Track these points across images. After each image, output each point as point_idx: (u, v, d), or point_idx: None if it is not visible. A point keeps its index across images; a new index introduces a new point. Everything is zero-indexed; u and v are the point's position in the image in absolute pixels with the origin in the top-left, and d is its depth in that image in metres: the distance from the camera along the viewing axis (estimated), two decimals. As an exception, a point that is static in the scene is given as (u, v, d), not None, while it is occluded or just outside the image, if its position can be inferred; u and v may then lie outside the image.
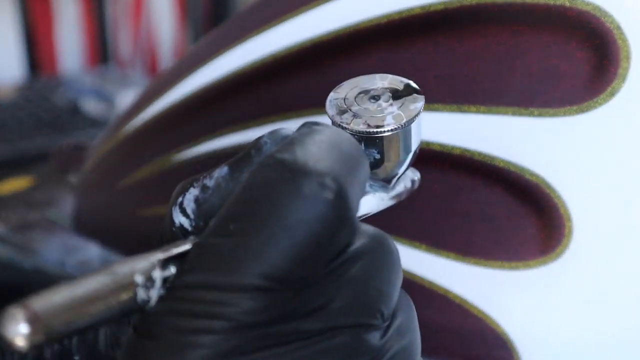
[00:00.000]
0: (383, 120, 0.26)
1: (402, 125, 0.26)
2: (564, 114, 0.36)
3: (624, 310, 0.38)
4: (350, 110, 0.27)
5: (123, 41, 1.80)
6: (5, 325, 0.19)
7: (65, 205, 0.64)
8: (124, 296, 0.21)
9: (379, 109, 0.27)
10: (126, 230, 0.53)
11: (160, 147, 0.49)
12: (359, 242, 0.23)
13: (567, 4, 0.36)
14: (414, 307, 0.25)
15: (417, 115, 0.27)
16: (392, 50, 0.40)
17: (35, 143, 1.33)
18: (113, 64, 1.79)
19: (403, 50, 0.39)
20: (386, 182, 0.28)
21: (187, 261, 0.22)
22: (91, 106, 1.50)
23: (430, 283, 0.41)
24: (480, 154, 0.38)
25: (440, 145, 0.39)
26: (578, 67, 0.36)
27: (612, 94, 0.35)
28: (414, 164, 0.29)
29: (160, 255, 0.22)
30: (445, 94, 0.39)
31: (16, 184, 0.69)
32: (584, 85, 0.36)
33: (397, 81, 0.28)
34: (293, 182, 0.22)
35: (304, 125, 0.25)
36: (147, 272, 0.22)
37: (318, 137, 0.23)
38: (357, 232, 0.23)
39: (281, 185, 0.22)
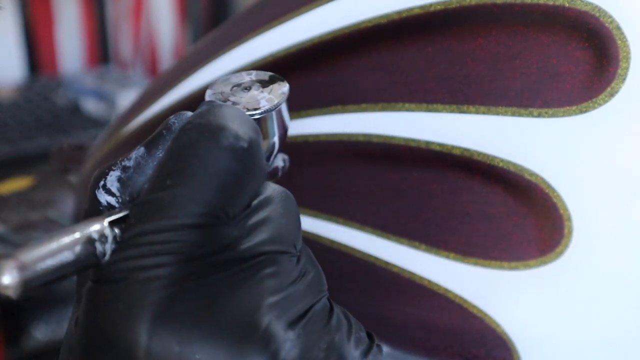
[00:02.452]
0: (259, 103, 0.31)
1: (275, 105, 0.31)
2: (564, 114, 0.36)
3: (623, 309, 0.38)
4: (229, 100, 0.32)
5: (123, 42, 1.80)
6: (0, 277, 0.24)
7: (66, 205, 0.64)
8: (85, 248, 0.26)
9: (252, 96, 0.32)
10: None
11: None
12: (268, 192, 0.28)
13: (567, 4, 0.36)
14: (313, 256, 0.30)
15: (285, 96, 0.32)
16: (392, 50, 0.40)
17: (36, 143, 1.33)
18: (113, 65, 1.79)
19: (403, 50, 0.39)
20: (266, 159, 0.33)
21: (131, 217, 0.27)
22: (92, 106, 1.50)
23: (430, 283, 0.41)
24: (480, 154, 0.38)
25: (440, 145, 0.39)
26: (577, 67, 0.36)
27: (612, 94, 0.35)
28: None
29: (106, 218, 0.27)
30: (444, 94, 0.39)
31: (17, 183, 0.69)
32: (583, 86, 0.36)
33: (262, 74, 0.33)
34: (213, 138, 0.27)
35: (204, 104, 0.30)
36: (99, 231, 0.26)
37: (222, 108, 0.28)
38: (266, 185, 0.29)
39: (203, 142, 0.27)
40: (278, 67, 0.44)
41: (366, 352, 0.29)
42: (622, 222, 0.37)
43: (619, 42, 0.35)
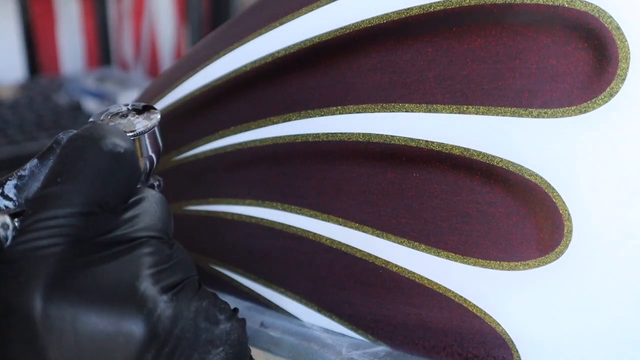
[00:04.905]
0: (134, 126, 0.37)
1: (148, 128, 0.37)
2: (563, 115, 0.36)
3: (623, 309, 0.38)
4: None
5: (124, 42, 1.80)
6: None
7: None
8: None
9: (129, 121, 0.37)
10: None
11: (161, 147, 0.49)
12: (144, 193, 0.34)
13: (566, 4, 0.36)
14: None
15: (157, 121, 0.37)
16: (392, 51, 0.40)
17: (37, 143, 1.33)
18: (114, 66, 1.79)
19: (402, 50, 0.40)
20: (145, 177, 0.39)
21: (27, 209, 0.31)
22: (93, 107, 1.50)
23: (430, 282, 0.41)
24: (479, 154, 0.38)
25: (440, 145, 0.39)
26: (577, 67, 0.36)
27: (611, 95, 0.35)
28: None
29: (6, 213, 0.32)
30: (444, 95, 0.39)
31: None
32: (582, 86, 0.36)
33: (137, 104, 0.39)
34: (95, 144, 0.33)
35: (91, 122, 0.36)
36: (1, 221, 0.31)
37: (104, 125, 0.35)
38: (139, 189, 0.35)
39: (87, 147, 0.33)
40: (278, 67, 0.44)
41: (230, 318, 0.34)
42: (622, 222, 0.37)
43: (619, 42, 0.35)
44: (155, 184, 0.41)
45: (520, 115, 0.37)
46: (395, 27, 0.40)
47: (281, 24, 0.43)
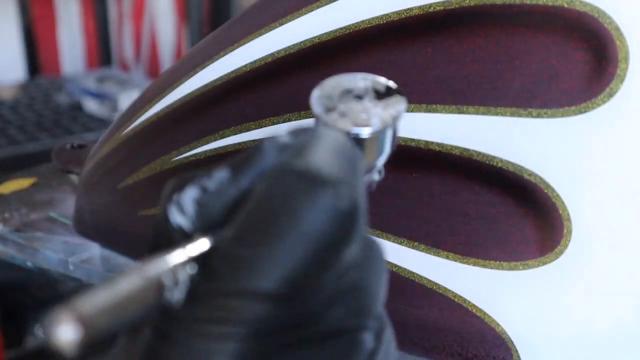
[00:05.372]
0: (369, 121, 0.27)
1: (387, 127, 0.27)
2: (563, 115, 0.36)
3: (622, 309, 0.38)
4: (336, 109, 0.28)
5: (124, 43, 1.80)
6: (55, 328, 0.20)
7: (67, 205, 0.64)
8: (154, 297, 0.22)
9: (364, 108, 0.28)
10: (127, 230, 0.53)
11: (160, 148, 0.49)
12: (356, 246, 0.24)
13: (566, 5, 0.36)
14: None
15: (401, 115, 0.28)
16: (391, 51, 0.40)
17: (38, 143, 1.33)
18: (115, 66, 1.79)
19: (402, 50, 0.40)
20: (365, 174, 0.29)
21: (208, 268, 0.23)
22: (93, 107, 1.50)
23: (430, 282, 0.41)
24: (479, 154, 0.38)
25: (440, 145, 0.39)
26: (576, 67, 0.36)
27: (611, 95, 0.35)
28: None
29: (183, 256, 0.23)
30: (444, 95, 0.39)
31: (18, 183, 0.69)
32: (582, 86, 0.36)
33: (379, 82, 0.29)
34: (310, 193, 0.23)
35: (300, 130, 0.26)
36: (174, 274, 0.22)
37: (323, 143, 0.24)
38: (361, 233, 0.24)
39: (299, 196, 0.23)
40: (278, 67, 0.44)
41: None
42: (621, 222, 0.37)
43: (618, 42, 0.35)
44: (375, 179, 0.31)
45: (520, 115, 0.37)
46: (395, 27, 0.40)
47: (281, 24, 0.43)
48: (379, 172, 0.31)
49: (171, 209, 0.25)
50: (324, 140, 0.24)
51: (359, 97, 0.28)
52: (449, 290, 0.41)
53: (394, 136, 0.28)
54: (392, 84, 0.29)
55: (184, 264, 0.23)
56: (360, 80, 0.29)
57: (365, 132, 0.27)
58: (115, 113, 1.45)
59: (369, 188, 0.31)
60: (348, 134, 0.27)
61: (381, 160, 0.29)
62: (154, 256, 0.22)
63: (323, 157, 0.24)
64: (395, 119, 0.27)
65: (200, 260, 0.23)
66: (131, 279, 0.21)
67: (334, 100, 0.28)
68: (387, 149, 0.28)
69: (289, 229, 0.22)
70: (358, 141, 0.27)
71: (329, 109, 0.28)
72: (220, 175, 0.25)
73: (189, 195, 0.25)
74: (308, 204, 0.22)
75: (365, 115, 0.27)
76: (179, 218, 0.25)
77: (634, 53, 0.35)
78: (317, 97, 0.28)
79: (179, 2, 1.76)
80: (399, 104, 0.28)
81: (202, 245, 0.23)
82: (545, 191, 0.37)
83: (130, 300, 0.21)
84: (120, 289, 0.21)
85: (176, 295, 0.22)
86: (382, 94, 0.28)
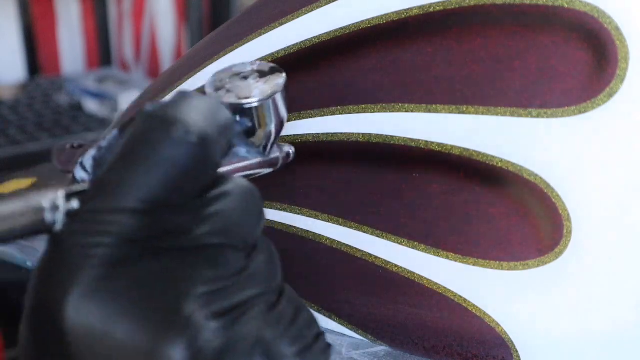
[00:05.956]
0: (251, 93, 0.32)
1: (267, 96, 0.32)
2: (562, 115, 0.36)
3: (622, 309, 0.38)
4: (224, 87, 0.33)
5: (124, 43, 1.80)
6: None
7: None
8: (35, 216, 0.27)
9: (248, 85, 0.33)
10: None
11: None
12: (228, 186, 0.29)
13: (565, 5, 0.36)
14: (276, 253, 0.30)
15: (280, 87, 0.32)
16: (392, 51, 0.40)
17: (38, 143, 1.34)
18: (115, 66, 1.79)
19: (402, 51, 0.40)
20: (263, 149, 0.34)
21: (89, 193, 0.28)
22: (93, 107, 1.50)
23: (430, 282, 0.41)
24: (479, 154, 0.38)
25: (440, 145, 0.39)
26: (576, 68, 0.36)
27: (610, 95, 0.35)
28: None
29: (64, 190, 0.28)
30: (444, 95, 0.39)
31: (18, 183, 0.69)
32: (582, 86, 0.36)
33: (264, 65, 0.34)
34: (164, 129, 0.28)
35: (179, 93, 0.30)
36: (52, 200, 0.27)
37: (188, 99, 0.29)
38: (225, 178, 0.29)
39: (156, 132, 0.28)
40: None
41: (303, 351, 0.28)
42: (621, 222, 0.37)
43: (618, 42, 0.35)
44: (280, 156, 0.35)
45: (520, 116, 0.37)
46: (395, 28, 0.40)
47: (281, 24, 0.43)
48: (287, 151, 0.36)
49: (76, 168, 0.32)
50: (192, 100, 0.29)
51: (245, 77, 0.33)
52: (449, 290, 0.41)
53: (278, 107, 0.33)
54: (275, 65, 0.33)
55: (64, 194, 0.28)
56: (249, 65, 0.34)
57: (248, 103, 0.32)
58: (115, 113, 1.45)
59: (274, 164, 0.35)
60: (233, 105, 0.32)
61: (273, 129, 0.33)
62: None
63: (182, 107, 0.29)
64: (274, 90, 0.32)
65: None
66: (13, 202, 0.27)
67: (223, 81, 0.33)
68: (274, 119, 0.33)
69: (145, 158, 0.27)
70: (244, 112, 0.33)
71: (218, 89, 0.33)
72: (110, 135, 0.32)
73: (89, 155, 0.32)
74: (162, 137, 0.28)
75: (247, 90, 0.32)
76: (81, 174, 0.32)
77: (634, 53, 0.35)
78: (210, 81, 0.33)
79: (179, 2, 1.76)
80: (278, 79, 0.33)
81: (83, 185, 0.29)
82: (545, 191, 0.37)
83: (10, 215, 0.26)
84: (3, 208, 0.26)
85: (58, 217, 0.27)
86: (265, 73, 0.33)
